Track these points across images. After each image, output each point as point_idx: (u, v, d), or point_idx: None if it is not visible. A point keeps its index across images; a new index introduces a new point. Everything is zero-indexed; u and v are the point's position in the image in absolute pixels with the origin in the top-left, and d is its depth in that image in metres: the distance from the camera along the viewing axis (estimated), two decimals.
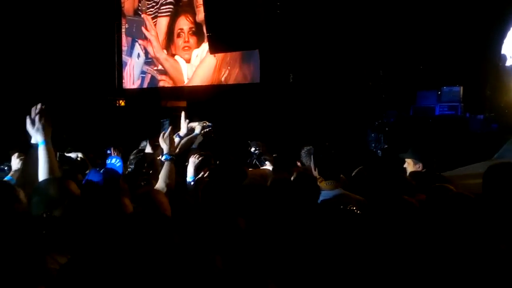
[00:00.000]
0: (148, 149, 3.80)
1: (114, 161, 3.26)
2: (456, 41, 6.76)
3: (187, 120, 4.29)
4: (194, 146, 4.31)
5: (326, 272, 1.92)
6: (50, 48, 9.39)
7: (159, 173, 3.11)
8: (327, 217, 2.23)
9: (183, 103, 9.56)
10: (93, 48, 10.12)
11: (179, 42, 10.11)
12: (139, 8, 10.80)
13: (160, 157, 3.38)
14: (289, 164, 4.31)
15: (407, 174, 3.63)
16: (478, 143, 5.78)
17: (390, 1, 7.19)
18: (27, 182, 2.58)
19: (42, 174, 2.45)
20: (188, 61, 10.04)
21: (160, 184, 3.01)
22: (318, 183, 2.87)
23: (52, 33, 9.39)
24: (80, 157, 3.93)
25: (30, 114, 2.51)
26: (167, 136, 3.20)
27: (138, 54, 10.95)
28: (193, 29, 9.83)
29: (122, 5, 11.10)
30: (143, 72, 10.88)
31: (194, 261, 1.71)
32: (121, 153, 4.71)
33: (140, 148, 4.30)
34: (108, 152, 4.83)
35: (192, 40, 9.92)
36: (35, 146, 2.52)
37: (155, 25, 10.45)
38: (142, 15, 10.75)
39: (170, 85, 10.40)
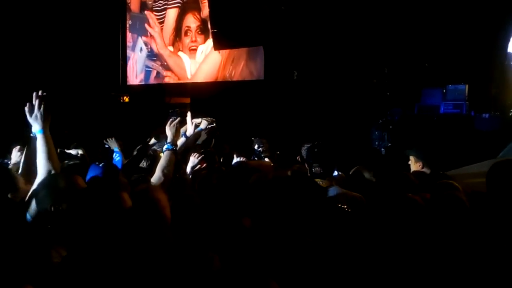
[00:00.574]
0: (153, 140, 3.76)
1: (114, 156, 3.28)
2: (461, 39, 6.72)
3: (194, 121, 4.28)
4: (198, 142, 4.31)
5: (323, 271, 1.92)
6: (55, 44, 9.41)
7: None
8: (317, 216, 2.22)
9: (187, 100, 9.56)
10: (98, 44, 10.13)
11: (186, 40, 10.10)
12: (145, 4, 10.80)
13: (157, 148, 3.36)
14: (291, 161, 4.31)
15: (411, 172, 3.62)
16: (483, 142, 5.75)
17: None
18: (28, 172, 2.59)
19: (40, 162, 2.44)
20: (192, 58, 10.04)
21: (157, 173, 2.96)
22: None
23: (56, 30, 9.40)
24: (80, 154, 3.93)
25: (31, 103, 2.49)
26: (173, 125, 3.17)
27: (141, 48, 10.97)
28: (200, 26, 9.82)
29: (128, 1, 11.10)
30: (147, 67, 10.88)
31: (188, 260, 1.71)
32: (120, 147, 4.70)
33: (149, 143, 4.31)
34: (107, 146, 4.83)
35: (200, 38, 9.91)
36: (34, 136, 2.51)
37: (164, 18, 10.43)
38: (146, 12, 10.75)
39: (174, 81, 10.40)
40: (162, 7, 10.49)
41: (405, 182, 2.93)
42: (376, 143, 6.77)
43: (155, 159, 3.42)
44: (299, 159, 4.33)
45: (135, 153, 3.67)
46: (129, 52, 11.20)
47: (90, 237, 1.89)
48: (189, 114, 4.30)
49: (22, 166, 2.65)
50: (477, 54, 6.61)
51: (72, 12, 9.59)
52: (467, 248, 1.98)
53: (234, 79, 9.45)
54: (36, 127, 2.48)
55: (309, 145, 4.39)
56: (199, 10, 9.80)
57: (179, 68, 10.28)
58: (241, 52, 9.23)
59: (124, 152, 4.55)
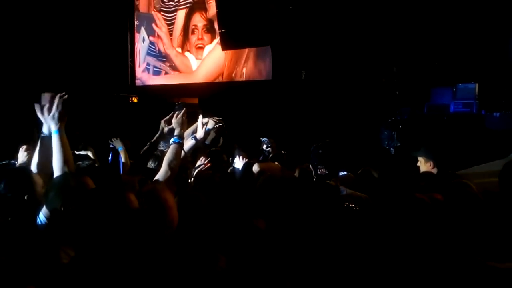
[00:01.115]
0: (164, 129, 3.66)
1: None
2: (471, 37, 6.65)
3: (205, 126, 4.24)
4: (206, 142, 4.29)
5: (331, 271, 1.90)
6: (63, 45, 9.48)
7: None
8: (324, 217, 2.20)
9: (195, 100, 9.57)
10: (106, 45, 10.19)
11: (193, 39, 10.14)
12: (153, 5, 10.86)
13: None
14: (299, 162, 4.29)
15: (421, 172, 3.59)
16: (494, 141, 5.69)
17: None
18: (41, 172, 2.59)
19: (56, 163, 2.45)
20: (199, 58, 10.08)
21: (163, 167, 2.88)
22: None
23: (65, 31, 9.47)
24: (90, 156, 3.93)
25: (40, 103, 2.48)
26: (180, 117, 3.09)
27: (144, 38, 11.06)
28: (207, 25, 9.84)
29: (137, 2, 11.17)
30: (155, 67, 10.94)
31: (194, 260, 1.69)
32: (127, 146, 4.70)
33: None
34: (111, 146, 4.84)
35: (206, 37, 9.94)
36: (47, 136, 2.51)
37: (174, 19, 10.47)
38: (153, 12, 10.80)
39: (182, 81, 10.44)
40: (172, 9, 10.53)
41: (411, 182, 2.91)
42: (386, 142, 6.72)
43: (162, 159, 3.38)
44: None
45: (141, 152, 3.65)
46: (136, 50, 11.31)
47: (96, 238, 1.89)
48: (200, 117, 4.25)
49: (36, 167, 2.63)
50: (487, 52, 6.54)
51: (80, 13, 9.66)
52: (484, 246, 1.96)
53: (242, 79, 9.45)
54: (52, 127, 2.47)
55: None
56: (205, 10, 9.84)
57: (186, 68, 10.32)
58: (249, 52, 9.23)
59: (132, 152, 4.55)
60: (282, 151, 4.76)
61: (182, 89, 10.40)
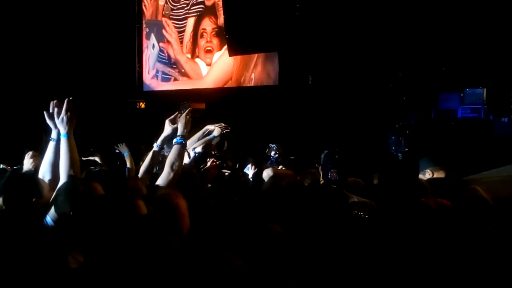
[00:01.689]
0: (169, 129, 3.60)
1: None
2: (479, 42, 6.62)
3: (207, 128, 4.23)
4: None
5: (338, 275, 1.90)
6: (71, 50, 9.56)
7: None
8: (332, 224, 2.19)
9: (202, 105, 9.60)
10: (114, 51, 10.27)
11: (202, 42, 10.19)
12: (163, 12, 10.94)
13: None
14: (306, 167, 4.27)
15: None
16: (503, 147, 5.65)
17: (411, 2, 7.08)
18: (47, 177, 2.61)
19: (63, 167, 2.47)
20: (209, 64, 10.12)
21: (166, 169, 2.82)
22: None
23: (73, 37, 9.56)
24: (97, 161, 3.93)
25: (48, 110, 2.52)
26: (183, 117, 3.03)
27: (153, 45, 11.11)
28: (216, 30, 9.89)
29: (145, 8, 11.25)
30: (164, 73, 10.99)
31: (203, 266, 1.69)
32: (141, 150, 4.72)
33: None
34: (117, 151, 4.86)
35: (215, 41, 9.98)
36: (56, 141, 2.53)
37: (184, 27, 10.54)
38: (163, 19, 10.88)
39: (191, 87, 10.48)
40: (182, 16, 10.59)
41: (417, 187, 2.89)
42: (393, 148, 6.69)
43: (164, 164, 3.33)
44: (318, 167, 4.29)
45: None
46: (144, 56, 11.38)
47: (104, 243, 1.89)
48: (201, 132, 4.21)
49: (43, 172, 2.65)
50: (495, 57, 6.50)
51: (89, 19, 9.74)
52: (497, 253, 1.95)
53: (249, 84, 9.48)
54: (61, 130, 2.50)
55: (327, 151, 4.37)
56: (216, 16, 9.88)
57: (196, 74, 10.37)
58: (258, 57, 9.27)
59: (137, 157, 4.56)
60: (291, 157, 4.75)
61: (189, 95, 10.41)
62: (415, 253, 1.99)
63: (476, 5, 6.63)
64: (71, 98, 2.54)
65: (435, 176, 3.62)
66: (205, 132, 4.23)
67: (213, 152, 4.15)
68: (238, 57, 9.26)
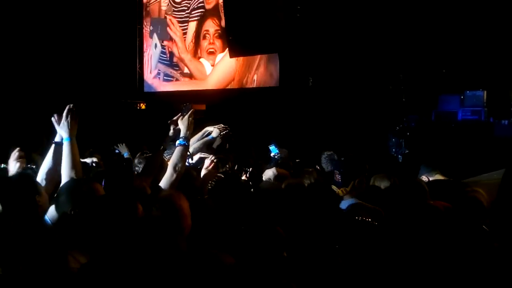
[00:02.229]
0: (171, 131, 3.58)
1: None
2: (479, 44, 6.63)
3: (206, 129, 4.23)
4: (213, 146, 4.31)
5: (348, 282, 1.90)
6: (71, 52, 9.57)
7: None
8: (343, 229, 2.19)
9: (203, 106, 9.61)
10: (114, 52, 10.28)
11: (205, 44, 10.19)
12: (165, 11, 10.95)
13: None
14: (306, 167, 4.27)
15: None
16: (503, 149, 5.65)
17: (412, 3, 7.09)
18: (47, 179, 2.64)
19: (65, 169, 2.54)
20: (212, 64, 10.14)
21: (169, 170, 2.85)
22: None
23: (73, 37, 9.57)
24: (95, 162, 3.94)
25: (55, 114, 2.66)
26: (186, 119, 3.04)
27: (156, 44, 11.10)
28: (219, 31, 9.89)
29: (148, 7, 11.26)
30: (166, 75, 11.00)
31: (202, 265, 1.69)
32: (144, 150, 4.72)
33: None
34: (117, 151, 4.86)
35: (218, 42, 9.98)
36: (59, 143, 2.63)
37: (185, 29, 10.56)
38: (167, 17, 10.88)
39: (192, 88, 10.48)
40: (184, 19, 10.61)
41: (418, 190, 2.89)
42: (393, 150, 6.69)
43: (162, 163, 3.32)
44: (318, 168, 4.29)
45: (136, 160, 3.65)
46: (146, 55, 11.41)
47: (104, 244, 1.90)
48: (200, 134, 4.21)
49: (44, 173, 2.67)
50: (495, 59, 6.51)
51: (89, 19, 9.76)
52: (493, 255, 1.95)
53: (250, 86, 9.49)
54: (63, 135, 2.61)
55: (329, 153, 4.38)
56: (218, 17, 9.87)
57: (200, 74, 10.37)
58: (257, 59, 9.28)
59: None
60: (297, 160, 4.75)
61: (190, 96, 10.43)
62: (418, 254, 1.99)
63: (476, 7, 6.64)
64: (71, 105, 2.67)
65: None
66: (204, 133, 4.24)
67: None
68: (241, 58, 9.27)
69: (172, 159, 2.88)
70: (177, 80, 10.84)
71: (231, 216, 2.39)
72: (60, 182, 2.58)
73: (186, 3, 10.56)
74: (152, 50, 11.22)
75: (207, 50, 10.16)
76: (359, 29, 7.33)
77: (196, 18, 10.35)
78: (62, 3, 9.40)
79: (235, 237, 2.01)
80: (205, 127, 4.30)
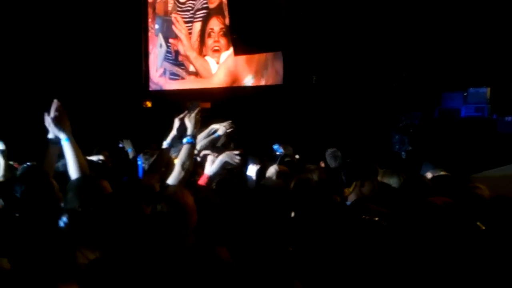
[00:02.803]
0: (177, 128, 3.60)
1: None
2: (482, 41, 6.62)
3: (212, 127, 4.25)
4: (217, 145, 4.34)
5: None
6: (78, 51, 9.62)
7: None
8: (350, 228, 2.21)
9: (208, 105, 9.65)
10: (120, 50, 10.32)
11: (210, 42, 10.23)
12: (170, 10, 10.99)
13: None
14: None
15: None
16: (507, 146, 5.66)
17: (415, 1, 7.09)
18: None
19: (73, 170, 2.51)
20: (217, 62, 10.18)
21: (176, 168, 2.83)
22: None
23: (80, 36, 9.61)
24: (101, 160, 3.96)
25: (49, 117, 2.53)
26: (193, 117, 3.01)
27: (161, 44, 11.15)
28: (224, 29, 9.93)
29: (153, 6, 11.30)
30: (172, 73, 11.04)
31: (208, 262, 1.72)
32: (153, 149, 4.77)
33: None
34: (121, 146, 4.89)
35: (223, 40, 10.01)
36: (53, 140, 2.56)
37: (190, 28, 10.60)
38: (173, 15, 10.92)
39: (198, 86, 10.52)
40: (188, 19, 10.65)
41: (422, 187, 2.91)
42: (397, 147, 6.71)
43: (168, 161, 3.34)
44: (323, 165, 4.33)
45: (144, 157, 3.68)
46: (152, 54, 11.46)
47: (111, 241, 1.93)
48: (206, 132, 4.22)
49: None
50: (498, 56, 6.50)
51: (95, 18, 9.80)
52: (496, 253, 1.96)
53: (254, 84, 9.53)
54: (61, 136, 2.52)
55: (332, 150, 4.42)
56: (223, 15, 9.91)
57: (206, 71, 10.41)
58: (262, 57, 9.31)
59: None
60: (296, 156, 4.78)
61: (195, 94, 10.47)
62: (416, 250, 2.00)
63: (479, 4, 6.64)
64: (55, 100, 2.51)
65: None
66: (210, 131, 4.26)
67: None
68: (244, 57, 9.30)
69: (179, 157, 2.87)
70: (182, 78, 10.88)
71: (236, 211, 2.42)
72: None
73: (190, 3, 10.60)
74: (157, 49, 11.27)
75: (212, 48, 10.20)
76: (362, 27, 7.34)
77: (200, 19, 10.40)
78: (69, 2, 9.44)
79: (241, 232, 2.04)
80: (210, 125, 4.32)
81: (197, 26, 10.45)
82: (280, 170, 3.42)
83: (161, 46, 11.18)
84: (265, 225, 2.03)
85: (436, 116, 6.95)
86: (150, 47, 11.39)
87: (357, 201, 2.88)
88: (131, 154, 4.71)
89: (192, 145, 2.94)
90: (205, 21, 10.31)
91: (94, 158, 4.08)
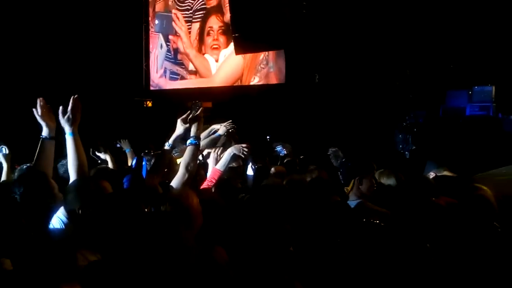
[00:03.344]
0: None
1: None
2: (487, 39, 6.57)
3: (213, 127, 4.22)
4: (218, 145, 4.31)
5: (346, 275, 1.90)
6: (79, 50, 9.61)
7: (175, 173, 2.93)
8: (351, 230, 2.18)
9: (209, 104, 9.62)
10: (121, 50, 10.31)
11: (209, 40, 10.21)
12: (169, 7, 10.98)
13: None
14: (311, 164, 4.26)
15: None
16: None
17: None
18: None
19: (72, 165, 2.48)
20: (216, 60, 10.16)
21: (181, 170, 2.82)
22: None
23: (80, 35, 9.60)
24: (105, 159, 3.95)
25: (36, 108, 2.54)
26: (196, 117, 3.01)
27: (161, 45, 11.15)
28: (223, 27, 9.91)
29: (154, 5, 11.29)
30: (172, 72, 11.03)
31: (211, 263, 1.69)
32: (151, 149, 4.74)
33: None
34: (118, 146, 4.87)
35: (222, 39, 10.00)
36: (47, 139, 2.54)
37: (190, 27, 10.58)
38: (173, 11, 10.90)
39: (198, 84, 10.51)
40: (187, 18, 10.63)
41: (426, 186, 2.88)
42: (400, 146, 6.66)
43: (170, 161, 3.29)
44: (327, 164, 4.29)
45: (146, 157, 3.65)
46: (152, 55, 11.44)
47: (111, 241, 1.91)
48: (206, 132, 4.19)
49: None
50: (503, 54, 6.44)
51: (96, 17, 9.79)
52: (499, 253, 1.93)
53: (256, 83, 9.49)
54: (66, 129, 2.50)
55: (334, 149, 4.39)
56: (222, 13, 9.91)
57: (205, 70, 10.39)
58: (263, 56, 9.27)
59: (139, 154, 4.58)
60: (301, 156, 4.75)
61: (197, 93, 10.45)
62: (419, 250, 1.98)
63: (484, 2, 6.58)
64: (76, 96, 2.53)
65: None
66: (211, 131, 4.24)
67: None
68: (248, 55, 9.27)
69: (184, 159, 2.86)
70: (183, 78, 10.86)
71: (238, 211, 2.39)
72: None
73: (189, 2, 10.58)
74: (158, 49, 11.27)
75: (211, 46, 10.19)
76: (366, 25, 7.29)
77: (199, 20, 10.40)
78: (70, 2, 9.43)
79: (242, 232, 2.02)
80: (211, 125, 4.29)
81: (196, 25, 10.46)
82: (276, 170, 3.39)
83: (161, 47, 11.18)
84: (266, 225, 2.00)
85: (441, 115, 6.90)
86: (151, 46, 11.38)
87: (359, 203, 2.84)
88: (129, 154, 4.69)
89: (196, 146, 2.92)
90: (204, 20, 10.30)
91: (101, 155, 4.07)
